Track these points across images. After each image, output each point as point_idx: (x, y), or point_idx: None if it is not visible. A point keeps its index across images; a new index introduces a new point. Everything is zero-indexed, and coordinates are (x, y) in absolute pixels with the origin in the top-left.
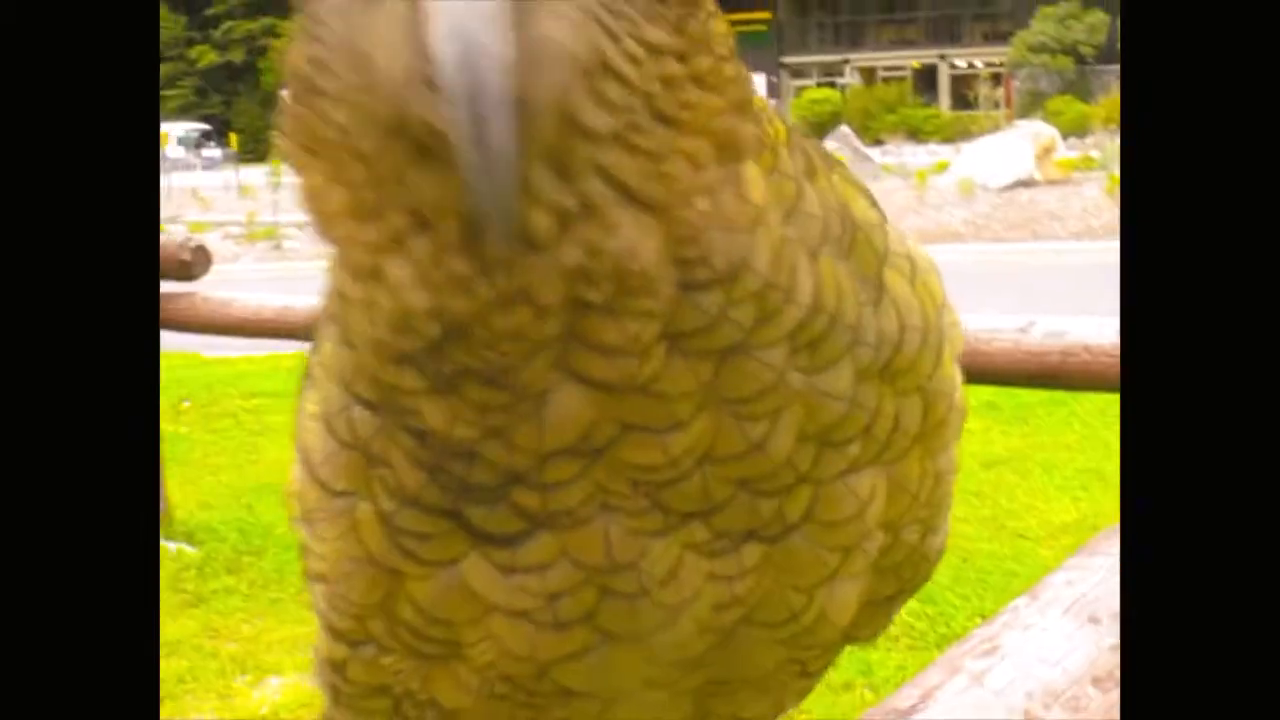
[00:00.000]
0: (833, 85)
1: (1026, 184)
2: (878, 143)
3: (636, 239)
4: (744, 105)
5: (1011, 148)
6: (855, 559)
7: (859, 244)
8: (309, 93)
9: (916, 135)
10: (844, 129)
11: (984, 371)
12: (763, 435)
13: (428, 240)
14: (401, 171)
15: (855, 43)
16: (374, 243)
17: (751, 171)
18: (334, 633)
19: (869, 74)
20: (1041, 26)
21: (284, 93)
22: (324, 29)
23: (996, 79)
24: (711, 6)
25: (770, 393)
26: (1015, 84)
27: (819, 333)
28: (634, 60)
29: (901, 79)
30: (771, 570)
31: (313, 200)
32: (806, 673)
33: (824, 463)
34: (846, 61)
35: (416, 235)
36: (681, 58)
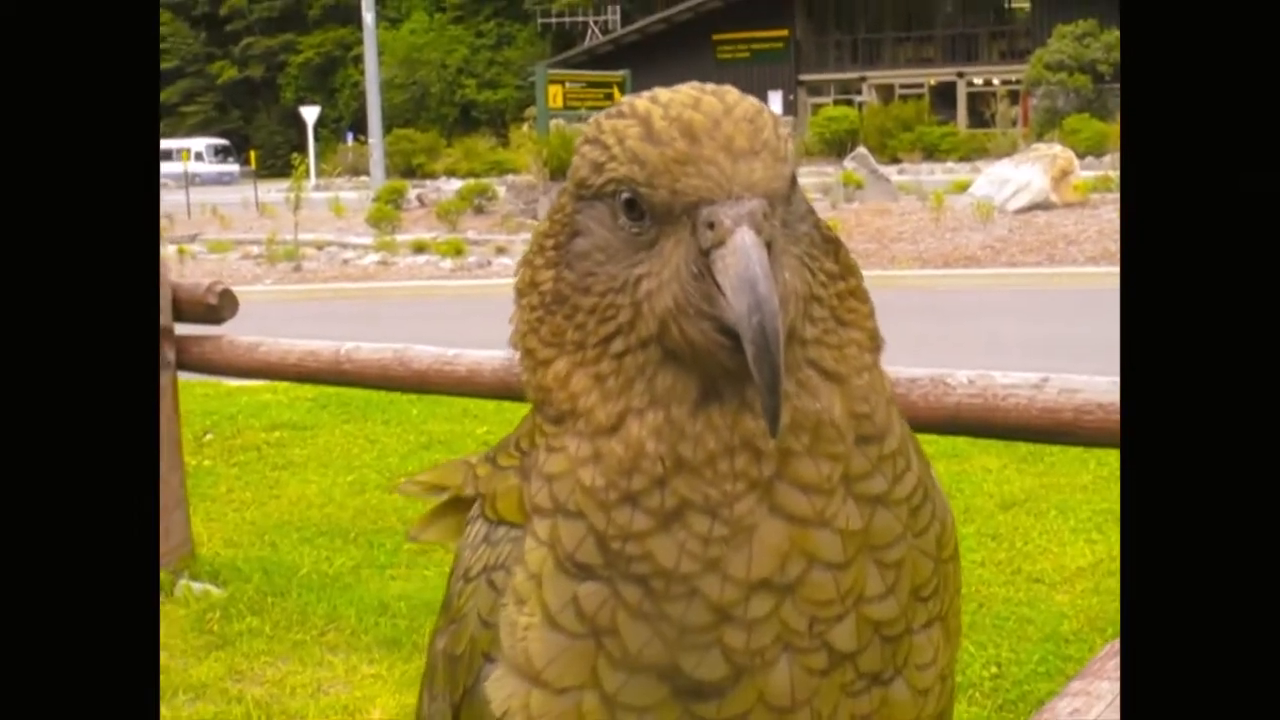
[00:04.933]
0: (850, 103)
1: (1044, 207)
2: (894, 160)
3: (829, 400)
4: (873, 312)
5: (1028, 171)
6: (929, 702)
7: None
8: (561, 304)
9: (933, 153)
10: (861, 149)
11: (998, 427)
12: (892, 582)
13: (664, 410)
14: (650, 369)
15: (872, 60)
16: (617, 411)
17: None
18: None
19: (886, 91)
20: (1059, 45)
21: (526, 301)
22: (581, 262)
23: (1014, 97)
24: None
25: (898, 543)
26: (1033, 102)
27: (919, 502)
28: (824, 286)
29: (919, 97)
30: (885, 710)
31: (556, 380)
32: None
33: (917, 614)
34: (864, 79)
35: (654, 408)
36: (844, 279)
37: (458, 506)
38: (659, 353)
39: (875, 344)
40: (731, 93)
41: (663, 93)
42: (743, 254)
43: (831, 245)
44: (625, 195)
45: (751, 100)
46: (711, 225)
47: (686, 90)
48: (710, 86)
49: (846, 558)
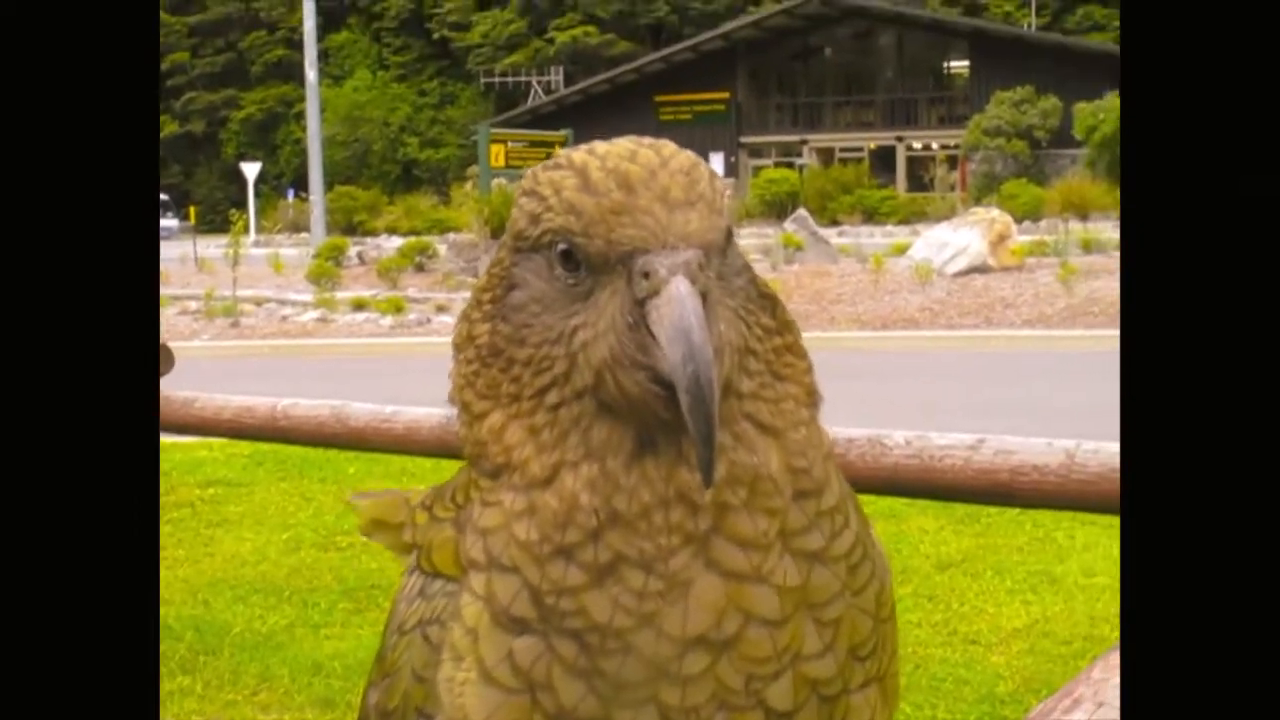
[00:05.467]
0: (790, 165)
1: (981, 270)
2: (834, 223)
3: (766, 455)
4: (811, 368)
5: (966, 235)
6: None
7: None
8: (497, 357)
9: (873, 216)
10: (801, 212)
11: (935, 487)
12: (830, 640)
13: (598, 463)
14: (585, 421)
15: (813, 124)
16: (552, 464)
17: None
18: None
19: (826, 155)
20: (997, 111)
21: (464, 356)
22: (517, 314)
23: (952, 162)
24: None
25: (836, 600)
26: (971, 167)
27: (858, 560)
28: (760, 340)
29: (859, 160)
30: None
31: (491, 433)
32: None
33: (854, 674)
34: (804, 142)
35: (589, 461)
36: (781, 334)
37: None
38: (594, 404)
39: (813, 399)
40: (668, 146)
41: (600, 145)
42: (678, 303)
43: (768, 301)
44: (561, 246)
45: (688, 153)
46: (646, 275)
47: (624, 143)
48: (648, 140)
49: (784, 614)
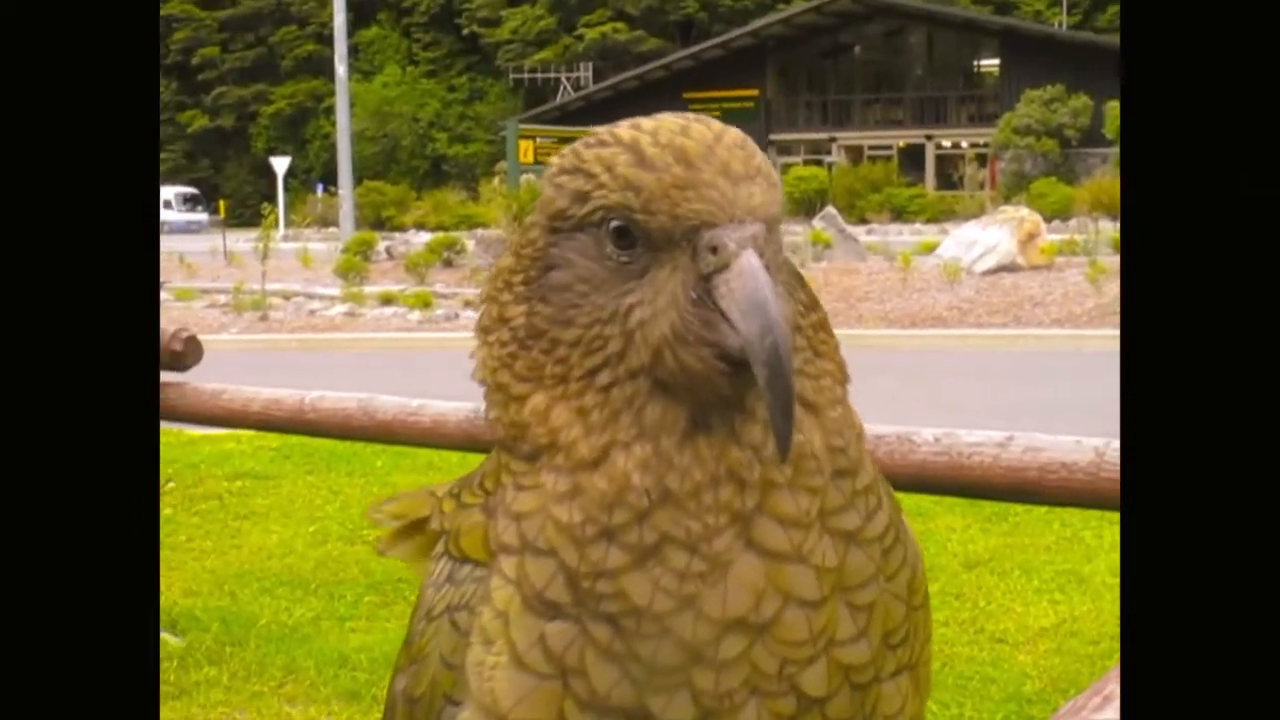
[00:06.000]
0: (819, 163)
1: (1010, 269)
2: (863, 221)
3: (810, 432)
4: (839, 345)
5: (995, 233)
6: None
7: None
8: (538, 339)
9: (901, 214)
10: (830, 209)
11: (963, 485)
12: (864, 625)
13: (652, 443)
14: (639, 400)
15: (842, 121)
16: (601, 445)
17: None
18: None
19: (855, 152)
20: (1027, 109)
21: (495, 338)
22: (560, 295)
23: (982, 160)
24: None
25: (870, 584)
26: (1000, 165)
27: (890, 543)
28: (802, 315)
29: (887, 158)
30: None
31: (535, 415)
32: None
33: (886, 662)
34: (833, 140)
35: (642, 440)
36: (815, 310)
37: (423, 527)
38: (648, 384)
39: (845, 377)
40: (714, 121)
41: (645, 121)
42: (750, 276)
43: (799, 278)
44: (615, 223)
45: (734, 129)
46: (714, 249)
47: (670, 118)
48: (691, 115)
49: (821, 595)
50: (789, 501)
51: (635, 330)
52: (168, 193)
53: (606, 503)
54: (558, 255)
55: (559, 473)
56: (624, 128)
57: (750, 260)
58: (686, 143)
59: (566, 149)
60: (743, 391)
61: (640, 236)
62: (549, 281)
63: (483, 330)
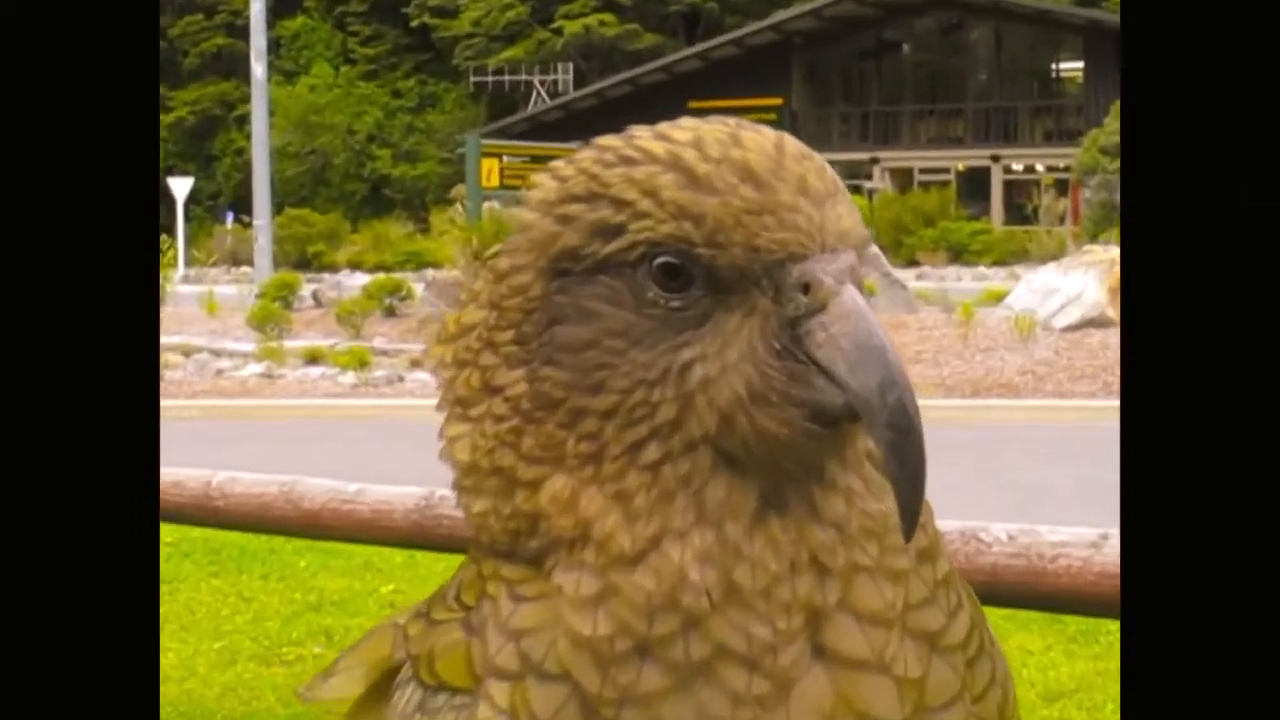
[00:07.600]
0: (858, 190)
1: (1098, 324)
2: (913, 264)
3: (890, 501)
4: None
5: (1079, 279)
6: None
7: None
8: (552, 410)
9: (961, 255)
10: (872, 248)
11: (1045, 595)
12: None
13: (713, 529)
14: (699, 479)
15: (887, 139)
16: (648, 535)
17: None
18: None
19: (903, 177)
20: (1117, 125)
21: (483, 411)
22: (578, 354)
23: (1061, 187)
24: None
25: (955, 704)
26: (1085, 194)
27: (974, 652)
28: None
29: (943, 184)
30: None
31: (555, 504)
32: None
33: None
34: (875, 161)
35: (701, 527)
36: None
37: (389, 688)
38: (710, 456)
39: None
40: (760, 125)
41: (676, 131)
42: (859, 319)
43: None
44: (663, 259)
45: (786, 134)
46: (806, 287)
47: (702, 125)
48: (731, 120)
49: (903, 716)
50: (873, 592)
51: (696, 392)
52: None
53: (650, 608)
54: (566, 305)
55: (584, 572)
56: (648, 139)
57: (854, 298)
58: (747, 155)
59: (554, 168)
60: (825, 458)
61: (700, 276)
62: (557, 339)
63: (461, 403)
